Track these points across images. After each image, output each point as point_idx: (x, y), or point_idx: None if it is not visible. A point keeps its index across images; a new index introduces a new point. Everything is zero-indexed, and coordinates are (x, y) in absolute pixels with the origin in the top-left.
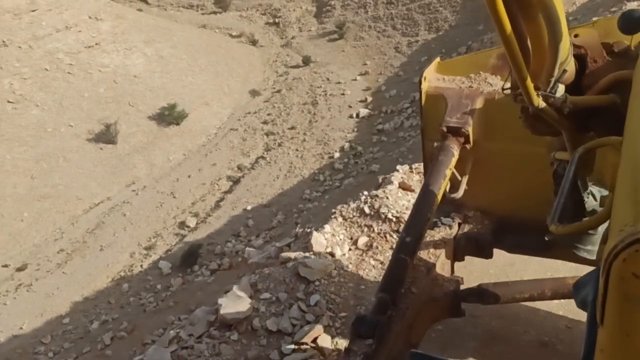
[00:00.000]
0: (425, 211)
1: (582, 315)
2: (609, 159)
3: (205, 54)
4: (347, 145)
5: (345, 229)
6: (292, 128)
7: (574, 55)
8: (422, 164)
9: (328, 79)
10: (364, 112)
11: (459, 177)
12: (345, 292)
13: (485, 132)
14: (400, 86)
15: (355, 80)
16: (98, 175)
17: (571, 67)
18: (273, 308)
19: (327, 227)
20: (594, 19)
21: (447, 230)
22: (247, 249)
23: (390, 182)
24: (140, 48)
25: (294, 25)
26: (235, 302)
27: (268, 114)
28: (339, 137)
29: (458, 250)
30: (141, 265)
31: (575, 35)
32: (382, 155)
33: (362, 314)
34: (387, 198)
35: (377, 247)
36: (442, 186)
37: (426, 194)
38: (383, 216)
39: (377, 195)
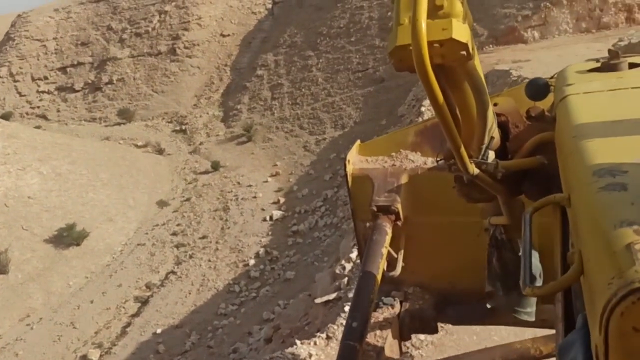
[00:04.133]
0: (368, 293)
1: None
2: (534, 221)
3: (107, 167)
4: (262, 250)
5: None
6: (204, 237)
7: (497, 123)
8: None
9: (239, 183)
10: (277, 214)
11: (395, 255)
12: None
13: (413, 208)
14: (312, 185)
15: (267, 182)
16: None
17: (496, 133)
18: None
19: None
20: (505, 89)
21: (390, 310)
22: None
23: None
24: (35, 167)
25: (202, 131)
26: None
27: (177, 225)
28: (254, 243)
29: (403, 328)
30: None
31: (495, 104)
32: (298, 259)
33: None
34: None
35: None
36: (380, 265)
37: (366, 275)
38: None
39: None
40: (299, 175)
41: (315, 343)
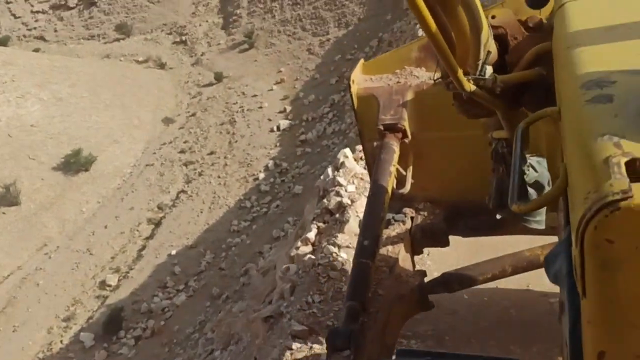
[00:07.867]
0: (378, 211)
1: None
2: (542, 129)
3: (109, 87)
4: (271, 163)
5: None
6: (212, 153)
7: (495, 36)
8: None
9: (244, 93)
10: (284, 123)
11: (404, 172)
12: None
13: (420, 124)
14: (318, 90)
15: (272, 90)
16: (4, 244)
17: (493, 47)
18: None
19: None
20: None
21: (401, 226)
22: None
23: None
24: (34, 93)
25: (202, 41)
26: None
27: (185, 142)
28: (262, 155)
29: (415, 243)
30: (61, 341)
31: (493, 17)
32: (307, 170)
33: (334, 327)
34: None
35: None
36: (389, 183)
37: (376, 193)
38: None
39: None
40: (305, 80)
41: None
